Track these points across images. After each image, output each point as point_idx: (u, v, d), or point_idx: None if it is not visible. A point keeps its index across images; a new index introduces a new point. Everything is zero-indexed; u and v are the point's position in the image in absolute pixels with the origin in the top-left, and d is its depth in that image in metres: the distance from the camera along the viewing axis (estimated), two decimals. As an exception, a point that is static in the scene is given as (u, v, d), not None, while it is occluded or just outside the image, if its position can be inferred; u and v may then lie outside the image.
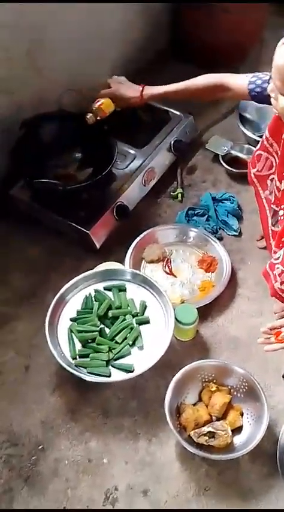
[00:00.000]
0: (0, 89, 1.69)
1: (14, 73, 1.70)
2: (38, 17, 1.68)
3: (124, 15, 2.13)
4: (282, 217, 1.52)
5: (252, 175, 1.62)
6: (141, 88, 1.76)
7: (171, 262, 1.72)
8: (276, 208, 1.54)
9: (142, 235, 1.74)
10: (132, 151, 1.88)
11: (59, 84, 1.81)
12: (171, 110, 2.04)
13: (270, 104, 1.31)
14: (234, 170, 1.96)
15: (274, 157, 1.52)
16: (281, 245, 1.38)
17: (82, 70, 1.95)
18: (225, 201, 1.87)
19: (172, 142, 1.94)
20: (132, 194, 1.80)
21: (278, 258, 1.35)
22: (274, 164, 1.54)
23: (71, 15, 1.80)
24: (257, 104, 2.01)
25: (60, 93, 1.73)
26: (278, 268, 1.34)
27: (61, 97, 1.74)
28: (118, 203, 1.74)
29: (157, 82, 2.30)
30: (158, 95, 1.76)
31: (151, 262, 1.72)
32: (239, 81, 1.56)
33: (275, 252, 1.42)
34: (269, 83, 1.30)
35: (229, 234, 1.81)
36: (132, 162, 1.86)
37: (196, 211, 1.84)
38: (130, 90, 1.78)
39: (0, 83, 1.68)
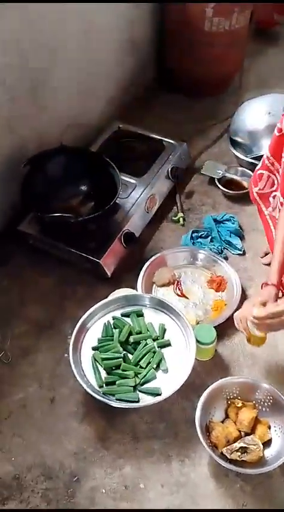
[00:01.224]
0: (4, 128, 1.74)
1: (17, 112, 1.75)
2: (40, 57, 1.76)
3: (115, 54, 2.24)
4: None
5: (254, 193, 1.70)
6: (275, 290, 1.42)
7: (181, 285, 1.76)
8: None
9: (151, 260, 1.78)
10: (132, 181, 1.94)
11: (60, 121, 1.87)
12: (165, 139, 2.12)
13: None
14: (231, 192, 2.04)
15: (276, 176, 1.60)
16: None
17: (81, 107, 2.03)
18: (226, 222, 1.93)
19: (169, 169, 2.01)
20: (137, 221, 1.85)
21: None
22: (276, 182, 1.62)
23: (70, 55, 1.90)
24: (247, 127, 2.12)
25: (62, 129, 1.78)
26: None
27: (62, 133, 1.78)
28: (125, 231, 1.79)
29: (146, 114, 2.40)
30: (278, 271, 1.45)
31: (163, 286, 1.76)
32: None
33: None
34: None
35: (233, 253, 1.87)
36: (133, 190, 1.91)
37: (200, 233, 1.90)
38: (266, 294, 1.41)
39: (4, 122, 1.72)
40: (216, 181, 2.07)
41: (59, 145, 1.77)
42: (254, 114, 2.09)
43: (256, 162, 1.94)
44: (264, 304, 1.36)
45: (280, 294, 1.45)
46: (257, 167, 1.66)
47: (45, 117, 1.89)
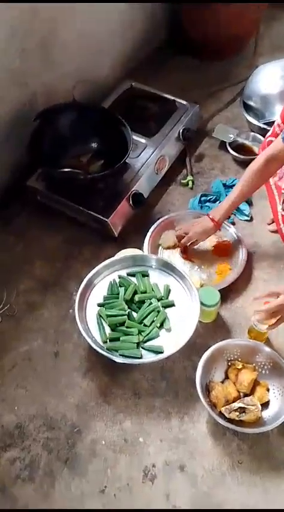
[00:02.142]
0: (14, 81, 1.71)
1: (27, 65, 1.72)
2: (50, 13, 1.72)
3: (125, 11, 2.17)
4: None
5: None
6: (212, 223, 1.63)
7: (187, 248, 1.76)
8: None
9: (158, 222, 1.78)
10: (143, 141, 1.91)
11: (71, 77, 1.84)
12: (177, 100, 2.08)
13: None
14: (241, 157, 2.01)
15: None
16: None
17: (92, 63, 1.99)
18: (235, 187, 1.91)
19: (180, 131, 1.98)
20: (145, 182, 1.84)
21: None
22: None
23: (79, 12, 1.85)
24: (261, 92, 2.07)
25: (73, 84, 1.74)
26: None
27: (73, 88, 1.75)
28: (134, 191, 1.77)
29: (159, 74, 2.35)
30: (227, 212, 1.62)
31: (168, 248, 1.76)
32: (276, 146, 1.50)
33: None
34: None
35: (240, 219, 1.86)
36: (143, 151, 1.89)
37: (208, 198, 1.89)
38: (206, 228, 1.65)
39: (15, 74, 1.69)
40: (227, 146, 2.05)
41: (71, 100, 1.74)
42: (268, 79, 2.05)
43: (268, 127, 1.91)
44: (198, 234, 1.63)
45: None
46: (268, 134, 1.64)
47: (55, 72, 1.85)
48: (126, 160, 1.74)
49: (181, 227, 1.73)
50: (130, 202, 1.76)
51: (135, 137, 1.86)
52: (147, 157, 1.87)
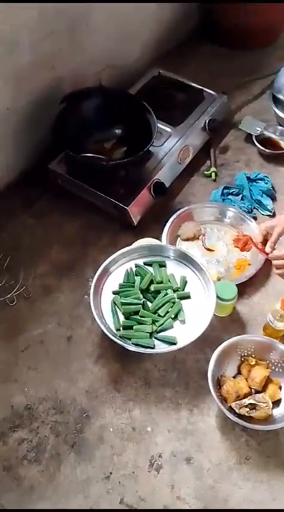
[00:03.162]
0: (43, 63, 1.70)
1: (56, 48, 1.71)
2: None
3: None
4: None
5: None
6: None
7: (205, 240, 1.74)
8: None
9: (178, 213, 1.76)
10: (167, 129, 1.89)
11: (98, 61, 1.82)
12: (205, 89, 2.05)
13: None
14: (267, 151, 1.98)
15: None
16: None
17: (120, 49, 1.97)
18: (259, 181, 1.88)
19: (206, 121, 1.95)
20: (168, 172, 1.82)
21: None
22: None
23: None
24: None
25: (100, 69, 1.73)
26: None
27: (101, 73, 1.74)
28: (156, 180, 1.76)
29: (187, 63, 2.32)
30: None
31: (187, 240, 1.74)
32: None
33: None
34: None
35: (263, 214, 1.83)
36: (167, 139, 1.87)
37: (231, 190, 1.86)
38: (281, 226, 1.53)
39: (43, 56, 1.69)
40: (253, 138, 2.01)
41: (98, 85, 1.73)
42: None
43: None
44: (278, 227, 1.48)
45: None
46: None
47: (83, 56, 1.83)
48: (150, 149, 1.72)
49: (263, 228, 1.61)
50: (151, 191, 1.75)
51: (160, 125, 1.84)
52: (171, 146, 1.85)
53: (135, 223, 1.74)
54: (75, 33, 1.77)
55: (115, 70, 1.86)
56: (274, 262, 1.48)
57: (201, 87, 2.04)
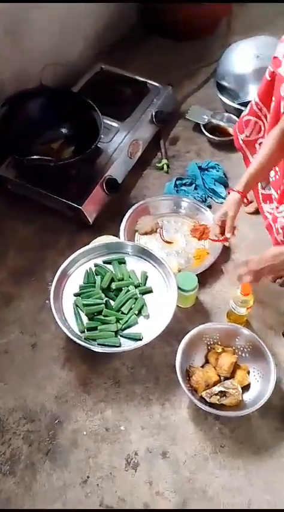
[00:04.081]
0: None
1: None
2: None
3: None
4: (274, 179, 1.56)
5: (240, 141, 1.66)
6: (237, 193, 1.48)
7: (163, 233, 1.74)
8: None
9: (134, 208, 1.75)
10: (115, 125, 1.88)
11: (40, 61, 1.77)
12: (150, 82, 2.04)
13: None
14: (216, 138, 1.99)
15: (263, 121, 1.56)
16: (284, 201, 1.42)
17: (61, 46, 1.94)
18: (211, 170, 1.90)
19: (153, 113, 1.94)
20: (119, 167, 1.81)
21: (281, 212, 1.39)
22: (263, 128, 1.58)
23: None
24: (235, 71, 2.05)
25: (41, 70, 1.69)
26: (281, 221, 1.39)
27: (42, 72, 1.70)
28: (107, 177, 1.74)
29: (131, 56, 2.30)
30: (248, 184, 1.48)
31: (145, 234, 1.74)
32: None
33: (277, 208, 1.46)
34: None
35: (217, 202, 1.84)
36: (115, 135, 1.86)
37: (184, 181, 1.87)
38: (232, 200, 1.49)
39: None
40: (201, 127, 2.02)
41: (39, 85, 1.69)
42: (241, 57, 2.03)
43: (242, 108, 1.89)
44: (229, 210, 1.47)
45: None
46: (244, 113, 1.62)
47: (23, 56, 1.80)
48: (98, 145, 1.71)
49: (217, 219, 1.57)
50: (104, 188, 1.73)
51: (106, 121, 1.83)
52: (120, 141, 1.84)
53: (91, 222, 1.72)
54: (15, 34, 1.72)
55: (58, 68, 1.82)
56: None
57: (145, 80, 2.03)
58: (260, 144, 1.59)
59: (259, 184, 1.64)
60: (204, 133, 2.01)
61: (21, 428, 1.35)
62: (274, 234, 1.48)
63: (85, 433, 1.35)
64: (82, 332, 1.43)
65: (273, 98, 1.45)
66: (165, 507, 1.25)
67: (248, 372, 1.43)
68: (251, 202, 1.80)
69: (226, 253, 1.70)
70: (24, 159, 1.57)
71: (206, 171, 1.90)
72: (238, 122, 1.68)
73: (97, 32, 2.21)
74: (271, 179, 1.58)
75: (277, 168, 1.54)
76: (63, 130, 1.82)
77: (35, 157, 1.54)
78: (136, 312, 1.47)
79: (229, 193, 1.52)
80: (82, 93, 1.92)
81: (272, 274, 1.49)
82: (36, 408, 1.39)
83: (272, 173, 1.57)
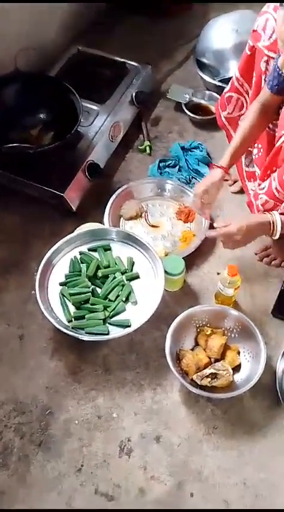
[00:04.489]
0: None
1: None
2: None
3: None
4: (257, 156, 1.54)
5: (223, 118, 1.63)
6: (219, 169, 1.49)
7: (148, 217, 1.72)
8: (250, 149, 1.56)
9: (117, 193, 1.72)
10: (94, 108, 1.84)
11: (13, 46, 1.73)
12: (128, 62, 2.00)
13: None
14: (198, 117, 1.96)
15: (245, 97, 1.54)
16: (266, 178, 1.41)
17: (35, 29, 1.88)
18: (194, 150, 1.87)
19: (133, 94, 1.90)
20: (100, 151, 1.77)
21: (263, 188, 1.37)
22: (245, 104, 1.55)
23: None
24: (214, 47, 2.00)
25: (16, 54, 1.65)
26: (261, 198, 1.37)
27: (16, 58, 1.65)
28: (89, 162, 1.71)
29: (107, 36, 2.25)
30: (232, 158, 1.49)
31: (130, 219, 1.72)
32: (264, 95, 1.41)
33: (259, 185, 1.44)
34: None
35: (201, 183, 1.82)
36: (96, 118, 1.82)
37: (167, 163, 1.84)
38: (212, 178, 1.51)
39: None
40: (183, 107, 1.99)
41: (13, 71, 1.65)
42: (220, 33, 1.98)
43: (223, 85, 1.85)
44: (212, 186, 1.49)
45: None
46: (225, 90, 1.59)
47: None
48: (78, 129, 1.67)
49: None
50: (86, 174, 1.70)
51: (86, 104, 1.79)
52: (100, 124, 1.80)
53: (74, 209, 1.69)
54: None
55: (32, 52, 1.77)
56: (221, 238, 1.42)
57: (123, 60, 1.99)
58: (242, 120, 1.56)
59: (243, 162, 1.62)
60: (186, 113, 1.97)
61: (12, 421, 1.35)
62: (254, 211, 1.47)
63: (77, 422, 1.35)
64: (70, 321, 1.42)
65: (254, 73, 1.42)
66: (161, 491, 1.26)
67: (239, 353, 1.43)
68: (236, 181, 1.78)
69: (212, 234, 1.68)
70: (2, 147, 1.53)
71: (189, 152, 1.87)
72: (219, 99, 1.65)
73: (72, 13, 2.15)
74: (254, 156, 1.56)
75: (260, 145, 1.52)
76: (42, 116, 1.77)
77: (13, 145, 1.50)
78: (124, 299, 1.46)
79: (212, 168, 1.52)
80: (59, 77, 1.87)
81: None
82: (26, 400, 1.38)
83: (255, 150, 1.55)
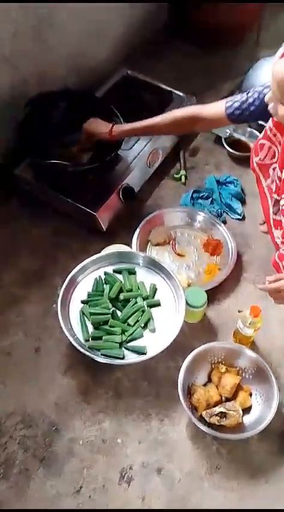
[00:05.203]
0: (5, 64, 1.65)
1: (20, 48, 1.66)
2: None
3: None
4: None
5: (254, 163, 1.63)
6: (110, 125, 1.63)
7: (175, 245, 1.73)
8: (277, 198, 1.56)
9: (148, 218, 1.74)
10: (136, 132, 1.86)
11: (65, 62, 1.78)
12: (174, 91, 2.02)
13: (252, 121, 1.36)
14: (236, 153, 1.97)
15: (277, 147, 1.53)
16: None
17: (88, 48, 1.93)
18: (229, 184, 1.88)
19: (176, 123, 1.92)
20: (137, 176, 1.80)
21: None
22: (277, 154, 1.55)
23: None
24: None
25: (66, 71, 1.69)
26: None
27: (67, 75, 1.70)
28: (124, 185, 1.73)
29: (156, 63, 2.29)
30: (126, 131, 1.64)
31: (157, 245, 1.73)
32: (213, 109, 1.49)
33: (283, 243, 1.44)
34: (257, 97, 1.37)
35: (232, 218, 1.83)
36: (136, 143, 1.84)
37: (200, 194, 1.85)
38: (101, 126, 1.65)
39: (6, 57, 1.63)
40: (222, 141, 2.00)
41: (63, 88, 1.69)
42: (268, 74, 1.98)
43: (265, 123, 1.86)
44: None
45: None
46: (259, 136, 1.59)
47: (49, 56, 1.79)
48: (118, 152, 1.69)
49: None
50: (120, 196, 1.72)
51: (128, 128, 1.81)
52: (140, 149, 1.82)
53: (104, 228, 1.71)
54: (40, 33, 1.72)
55: (83, 71, 1.82)
56: (271, 294, 1.41)
57: (169, 89, 2.02)
58: (274, 169, 1.57)
59: (271, 209, 1.62)
60: (225, 147, 1.99)
61: (18, 433, 1.35)
62: (281, 272, 1.45)
63: (81, 442, 1.35)
64: (87, 340, 1.43)
65: None
66: (156, 525, 1.24)
67: (251, 394, 1.42)
68: (265, 222, 1.78)
69: (237, 270, 1.68)
70: (43, 162, 1.57)
71: (224, 185, 1.88)
72: (254, 143, 1.66)
73: (124, 36, 2.20)
74: (281, 207, 1.56)
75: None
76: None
77: (54, 161, 1.53)
78: (142, 325, 1.46)
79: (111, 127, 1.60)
80: (105, 98, 1.91)
81: None
82: (34, 414, 1.39)
83: (282, 201, 1.54)
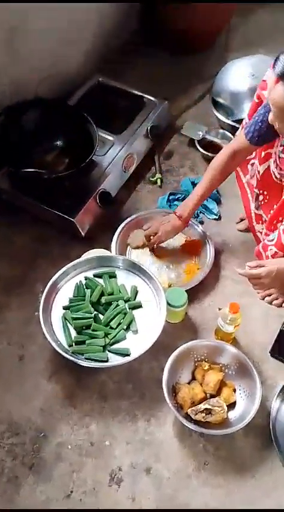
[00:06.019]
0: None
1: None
2: (18, 6, 1.65)
3: (96, 3, 2.12)
4: (263, 202, 1.58)
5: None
6: (179, 221, 1.63)
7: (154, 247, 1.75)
8: (258, 192, 1.60)
9: (126, 221, 1.76)
10: (110, 138, 1.88)
11: (37, 71, 1.79)
12: (146, 96, 2.05)
13: (269, 139, 1.40)
14: (210, 154, 2.00)
15: None
16: (273, 228, 1.44)
17: (59, 57, 1.94)
18: (204, 186, 1.90)
19: (148, 128, 1.96)
20: (113, 181, 1.82)
21: (272, 240, 1.40)
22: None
23: (49, 4, 1.79)
24: (230, 89, 2.07)
25: (39, 80, 1.70)
26: (271, 249, 1.40)
27: (38, 84, 1.71)
28: (101, 190, 1.75)
29: (128, 68, 2.32)
30: (193, 208, 1.62)
31: (137, 248, 1.74)
32: (238, 141, 1.51)
33: (267, 234, 1.47)
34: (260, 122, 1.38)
35: (209, 218, 1.86)
36: (110, 148, 1.87)
37: (177, 196, 1.88)
38: (170, 225, 1.65)
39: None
40: (196, 143, 2.04)
41: (34, 97, 1.70)
42: (237, 76, 2.04)
43: (237, 125, 1.91)
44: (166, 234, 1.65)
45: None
46: (237, 133, 1.63)
47: (21, 66, 1.80)
48: (93, 158, 1.71)
49: (149, 226, 1.72)
50: (98, 201, 1.74)
51: (102, 134, 1.84)
52: (115, 154, 1.84)
53: (83, 234, 1.72)
54: (12, 43, 1.73)
55: (56, 79, 1.83)
56: (251, 280, 1.46)
57: (141, 94, 2.05)
58: (252, 164, 1.61)
59: (252, 205, 1.65)
60: (198, 149, 2.02)
61: (5, 441, 1.35)
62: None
63: (70, 447, 1.35)
64: (70, 345, 1.43)
65: None
66: (147, 524, 1.25)
67: (234, 390, 1.44)
68: (243, 219, 1.82)
69: (216, 268, 1.71)
70: (18, 171, 1.58)
71: (199, 187, 1.91)
72: (231, 141, 1.70)
73: (96, 43, 2.22)
74: (260, 203, 1.59)
75: (265, 192, 1.55)
76: (58, 143, 1.83)
77: (29, 170, 1.54)
78: (125, 327, 1.48)
79: (175, 214, 1.63)
80: (78, 106, 1.93)
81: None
82: (21, 421, 1.39)
83: (261, 197, 1.58)
